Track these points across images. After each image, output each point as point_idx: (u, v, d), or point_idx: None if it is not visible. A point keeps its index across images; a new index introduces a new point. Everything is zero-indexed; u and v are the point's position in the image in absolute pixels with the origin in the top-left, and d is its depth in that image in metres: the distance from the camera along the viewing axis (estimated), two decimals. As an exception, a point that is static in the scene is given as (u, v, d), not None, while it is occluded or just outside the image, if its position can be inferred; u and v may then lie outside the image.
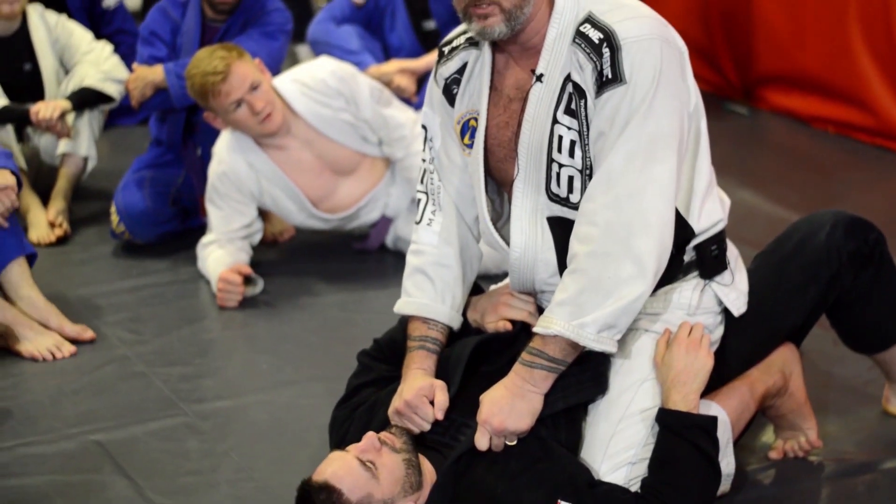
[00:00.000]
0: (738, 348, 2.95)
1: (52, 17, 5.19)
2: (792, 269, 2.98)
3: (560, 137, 2.72)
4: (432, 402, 2.79)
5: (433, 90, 2.96)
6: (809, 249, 2.97)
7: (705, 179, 2.83)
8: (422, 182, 3.01)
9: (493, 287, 3.11)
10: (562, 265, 2.79)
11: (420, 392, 2.79)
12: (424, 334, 2.92)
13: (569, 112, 2.71)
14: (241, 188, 4.30)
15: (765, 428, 3.21)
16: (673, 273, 2.83)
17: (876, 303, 3.03)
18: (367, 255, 4.59)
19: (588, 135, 2.69)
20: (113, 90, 5.05)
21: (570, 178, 2.74)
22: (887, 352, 3.15)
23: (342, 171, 4.41)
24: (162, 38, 4.78)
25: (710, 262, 2.86)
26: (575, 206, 2.74)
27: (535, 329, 2.70)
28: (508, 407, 2.69)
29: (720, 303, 2.90)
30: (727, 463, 2.83)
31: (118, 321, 4.08)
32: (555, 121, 2.72)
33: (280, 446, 3.28)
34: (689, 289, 2.87)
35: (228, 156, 4.29)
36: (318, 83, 4.32)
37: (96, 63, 5.08)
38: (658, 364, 2.80)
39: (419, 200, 3.01)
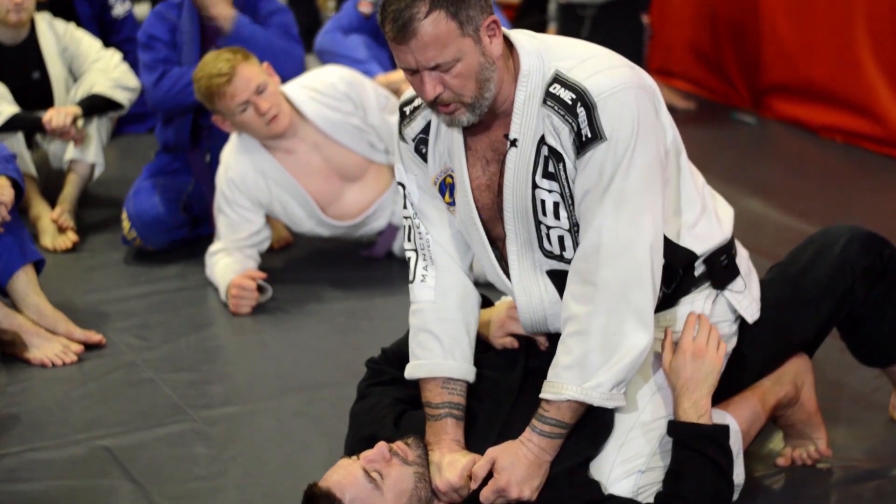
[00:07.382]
0: (750, 358, 2.94)
1: (61, 25, 5.20)
2: (806, 282, 2.98)
3: (543, 201, 2.68)
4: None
5: (402, 148, 2.86)
6: (824, 263, 2.97)
7: (696, 211, 2.80)
8: (409, 239, 2.90)
9: (500, 300, 3.09)
10: None
11: (464, 472, 2.73)
12: (447, 400, 2.82)
13: (547, 175, 2.66)
14: (249, 195, 4.30)
15: (773, 435, 3.21)
16: (686, 287, 2.83)
17: (887, 318, 3.03)
18: (375, 263, 4.59)
19: (571, 195, 2.66)
20: (122, 98, 5.06)
21: (561, 238, 2.71)
22: (896, 364, 3.16)
23: (349, 177, 4.42)
24: (160, 40, 4.76)
25: (720, 271, 2.86)
26: (570, 262, 2.71)
27: (544, 395, 2.66)
28: (527, 477, 2.67)
29: (734, 311, 2.89)
30: (737, 473, 2.81)
31: (126, 327, 4.09)
32: (534, 185, 2.68)
33: (287, 452, 3.28)
34: (702, 299, 2.86)
35: (236, 161, 4.30)
36: (327, 87, 4.33)
37: (106, 71, 5.09)
38: (666, 370, 2.80)
39: (409, 258, 2.91)
